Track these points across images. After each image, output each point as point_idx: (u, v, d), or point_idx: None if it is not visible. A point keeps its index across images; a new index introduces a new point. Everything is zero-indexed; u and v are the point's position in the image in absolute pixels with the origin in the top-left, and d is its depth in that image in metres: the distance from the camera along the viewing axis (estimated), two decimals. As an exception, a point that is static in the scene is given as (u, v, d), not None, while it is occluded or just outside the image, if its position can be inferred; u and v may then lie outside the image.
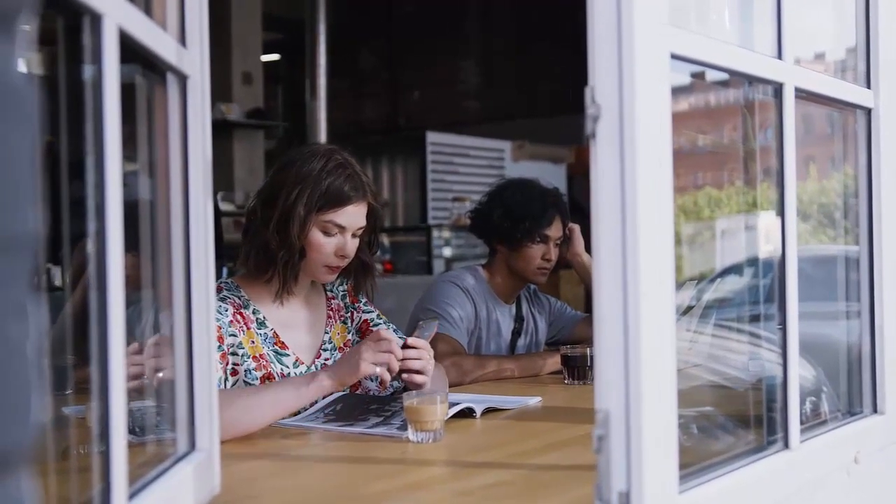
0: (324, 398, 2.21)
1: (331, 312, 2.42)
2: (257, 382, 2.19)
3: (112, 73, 1.00)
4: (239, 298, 2.26)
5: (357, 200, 2.25)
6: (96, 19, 0.98)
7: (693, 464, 1.33)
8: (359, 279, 2.41)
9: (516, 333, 3.14)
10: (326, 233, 2.24)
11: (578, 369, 2.67)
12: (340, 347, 2.40)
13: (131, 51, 1.10)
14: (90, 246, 0.99)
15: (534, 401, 2.37)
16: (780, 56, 1.53)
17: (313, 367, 2.30)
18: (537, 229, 3.00)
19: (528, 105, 9.63)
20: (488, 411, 2.21)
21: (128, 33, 1.06)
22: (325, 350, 2.37)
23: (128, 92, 1.07)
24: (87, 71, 1.00)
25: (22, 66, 0.58)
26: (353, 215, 2.25)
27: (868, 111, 1.82)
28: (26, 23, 0.59)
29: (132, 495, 1.08)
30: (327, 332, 2.39)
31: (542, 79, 9.52)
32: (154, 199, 1.34)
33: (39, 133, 0.58)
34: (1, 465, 0.56)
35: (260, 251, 2.25)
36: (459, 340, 2.88)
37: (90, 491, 1.03)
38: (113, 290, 0.99)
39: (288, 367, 2.26)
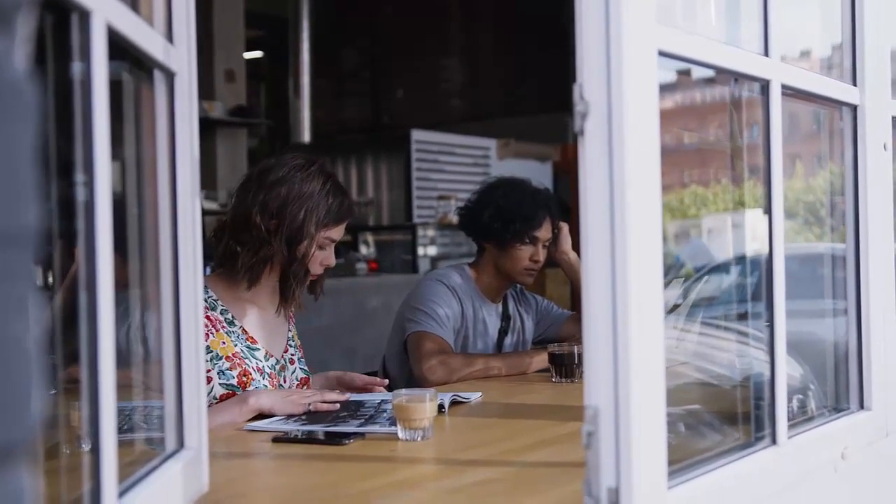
0: None
1: (291, 313, 2.51)
2: (234, 381, 2.22)
3: (101, 70, 0.99)
4: (206, 301, 2.28)
5: (351, 217, 2.37)
6: (85, 16, 0.98)
7: (682, 460, 1.34)
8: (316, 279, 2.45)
9: (503, 332, 3.13)
10: (322, 248, 2.33)
11: (566, 367, 2.67)
12: (300, 346, 2.52)
13: (118, 47, 1.10)
14: (80, 245, 0.98)
15: (475, 396, 2.39)
16: (766, 53, 1.53)
17: (282, 360, 2.41)
18: (527, 231, 2.99)
19: (513, 103, 9.64)
20: (453, 404, 2.24)
21: (116, 30, 1.06)
22: (290, 346, 2.47)
23: (114, 89, 1.06)
24: (75, 68, 0.99)
25: (21, 63, 0.58)
26: (343, 230, 2.38)
27: (854, 108, 1.83)
28: (25, 19, 0.59)
29: (121, 493, 1.07)
30: (290, 330, 2.50)
31: (527, 76, 9.54)
32: (140, 198, 1.33)
33: (38, 128, 0.58)
34: (5, 459, 0.56)
35: (262, 263, 2.29)
36: (446, 339, 2.87)
37: (78, 490, 1.02)
38: (102, 289, 0.99)
39: (260, 360, 2.34)
